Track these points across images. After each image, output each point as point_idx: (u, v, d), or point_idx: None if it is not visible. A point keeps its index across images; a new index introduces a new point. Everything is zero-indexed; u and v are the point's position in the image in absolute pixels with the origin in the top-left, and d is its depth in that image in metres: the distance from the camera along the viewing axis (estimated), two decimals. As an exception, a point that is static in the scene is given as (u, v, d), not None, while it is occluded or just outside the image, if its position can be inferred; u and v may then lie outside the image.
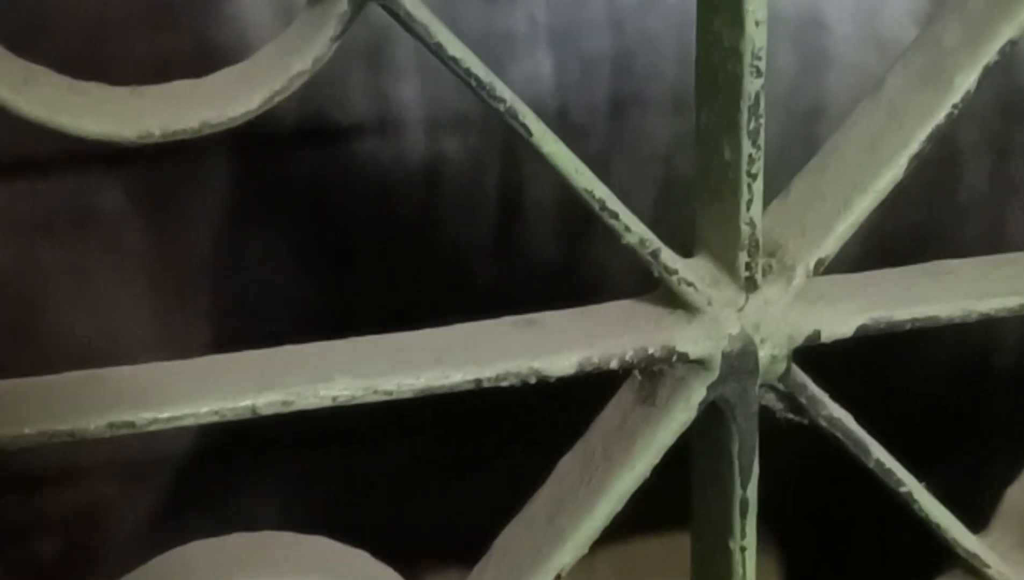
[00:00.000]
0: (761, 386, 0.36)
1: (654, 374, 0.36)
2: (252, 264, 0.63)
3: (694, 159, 0.36)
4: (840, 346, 0.36)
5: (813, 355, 0.36)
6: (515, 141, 0.64)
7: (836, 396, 0.37)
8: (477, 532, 0.38)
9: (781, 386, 0.36)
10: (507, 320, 0.35)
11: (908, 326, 0.36)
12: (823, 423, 0.36)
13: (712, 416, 0.36)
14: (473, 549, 0.37)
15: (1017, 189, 0.69)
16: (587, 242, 0.64)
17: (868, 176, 0.35)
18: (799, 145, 0.66)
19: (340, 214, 0.64)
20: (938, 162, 0.67)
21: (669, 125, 0.65)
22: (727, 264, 0.35)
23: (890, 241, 0.64)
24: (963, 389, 0.70)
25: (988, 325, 0.67)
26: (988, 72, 0.35)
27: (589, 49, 0.64)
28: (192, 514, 0.67)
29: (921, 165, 0.70)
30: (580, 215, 0.36)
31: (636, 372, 0.36)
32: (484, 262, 0.65)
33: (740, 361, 0.35)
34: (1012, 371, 0.69)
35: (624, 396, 0.36)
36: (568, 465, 0.37)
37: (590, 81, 0.64)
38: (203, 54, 0.61)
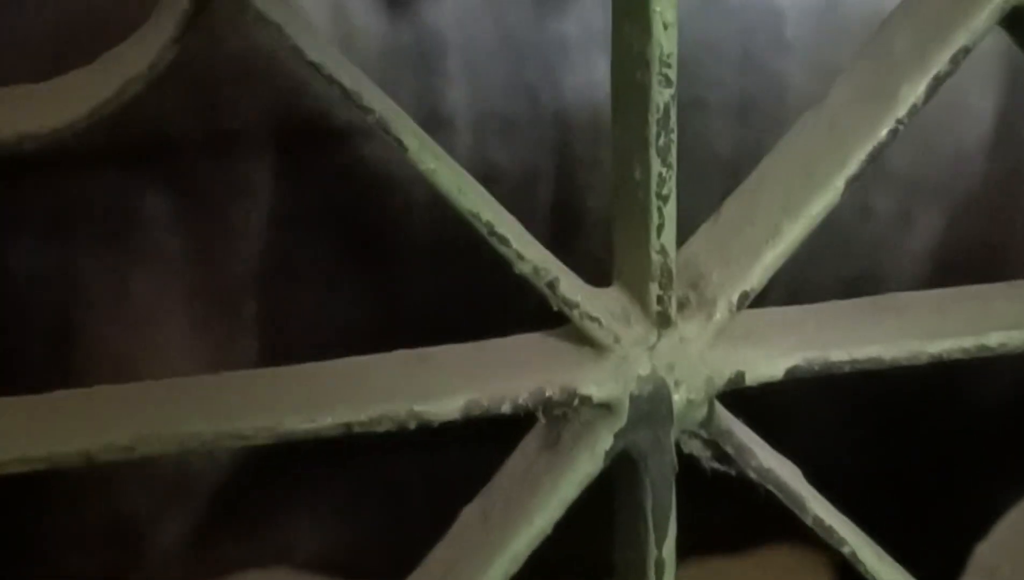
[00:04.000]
0: (683, 432, 0.32)
1: (559, 418, 0.32)
2: (297, 273, 0.61)
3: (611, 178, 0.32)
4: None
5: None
6: (569, 148, 0.61)
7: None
8: None
9: (703, 433, 0.32)
10: (398, 355, 0.32)
11: (847, 368, 0.32)
12: (752, 475, 0.32)
13: (625, 466, 0.32)
14: None
15: None
16: None
17: (801, 200, 0.31)
18: None
19: (388, 222, 0.61)
20: (1013, 174, 0.63)
21: (733, 131, 0.62)
22: (640, 297, 0.31)
23: (962, 259, 0.60)
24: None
25: None
26: (939, 82, 0.31)
27: None
28: (228, 535, 0.65)
29: (996, 175, 0.66)
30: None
31: (541, 415, 0.32)
32: None
33: (651, 406, 0.31)
34: None
35: (530, 441, 0.33)
36: (469, 515, 0.33)
37: None
38: (257, 55, 0.59)
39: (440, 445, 0.64)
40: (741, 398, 0.33)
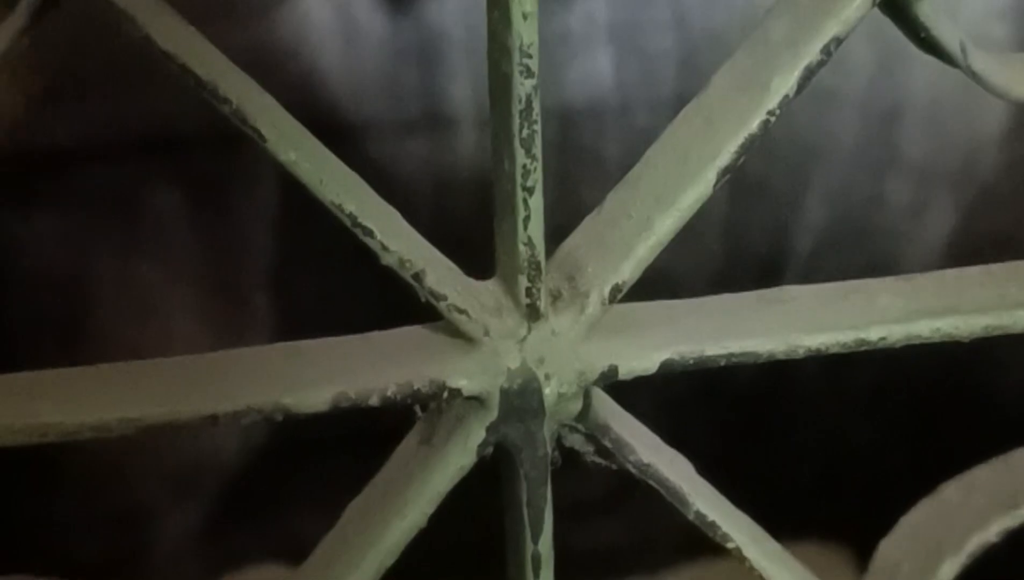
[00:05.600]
0: (563, 426, 0.32)
1: (434, 413, 0.32)
2: (308, 265, 0.61)
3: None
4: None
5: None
6: (571, 143, 0.61)
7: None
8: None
9: (581, 427, 0.32)
10: (271, 348, 0.32)
11: (723, 362, 0.32)
12: (632, 470, 0.32)
13: (503, 460, 0.32)
14: None
15: None
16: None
17: (673, 192, 0.31)
18: (878, 147, 0.63)
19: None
20: None
21: None
22: (511, 290, 0.31)
23: (976, 248, 0.60)
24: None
25: None
26: (811, 74, 0.31)
27: (651, 47, 0.61)
28: (237, 526, 0.65)
29: (1010, 165, 0.65)
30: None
31: (418, 410, 0.32)
32: None
33: (522, 399, 0.31)
34: None
35: (411, 436, 0.33)
36: (353, 509, 0.33)
37: (653, 80, 0.61)
38: (262, 54, 0.59)
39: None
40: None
